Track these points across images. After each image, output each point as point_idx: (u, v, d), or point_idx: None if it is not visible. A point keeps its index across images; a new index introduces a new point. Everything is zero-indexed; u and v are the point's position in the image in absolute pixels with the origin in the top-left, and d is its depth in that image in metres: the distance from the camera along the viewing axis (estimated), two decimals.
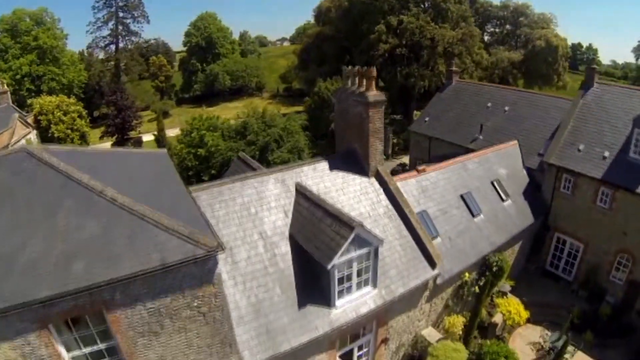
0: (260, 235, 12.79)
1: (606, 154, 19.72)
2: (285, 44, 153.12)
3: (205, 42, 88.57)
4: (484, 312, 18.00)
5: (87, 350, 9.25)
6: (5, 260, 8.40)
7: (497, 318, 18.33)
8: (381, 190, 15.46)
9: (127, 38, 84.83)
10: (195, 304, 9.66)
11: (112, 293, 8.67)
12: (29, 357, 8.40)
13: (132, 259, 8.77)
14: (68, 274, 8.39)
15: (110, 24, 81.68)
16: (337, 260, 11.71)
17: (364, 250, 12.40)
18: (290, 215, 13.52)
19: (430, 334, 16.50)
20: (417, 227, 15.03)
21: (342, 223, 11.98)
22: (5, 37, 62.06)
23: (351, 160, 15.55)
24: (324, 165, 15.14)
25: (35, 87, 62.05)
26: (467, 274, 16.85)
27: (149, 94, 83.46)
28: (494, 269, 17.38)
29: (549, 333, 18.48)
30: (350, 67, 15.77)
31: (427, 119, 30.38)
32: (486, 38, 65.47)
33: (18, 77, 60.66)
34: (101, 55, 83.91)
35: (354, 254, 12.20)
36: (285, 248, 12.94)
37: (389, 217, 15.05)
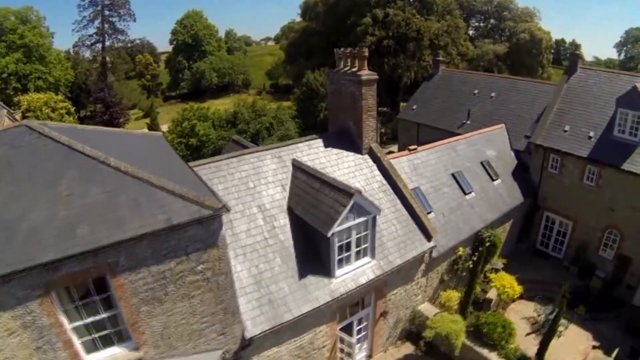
0: (259, 208, 12.85)
1: (591, 133, 20.14)
2: (270, 43, 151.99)
3: (192, 40, 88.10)
4: (478, 289, 18.21)
5: (89, 320, 9.15)
6: (6, 228, 8.28)
7: (492, 294, 18.59)
8: (375, 167, 15.62)
9: (113, 36, 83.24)
10: (200, 269, 9.68)
11: (117, 256, 8.62)
12: (30, 328, 8.30)
13: (137, 221, 8.75)
14: (72, 238, 8.32)
15: (97, 23, 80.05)
16: (337, 228, 11.82)
17: (362, 219, 12.54)
18: (287, 189, 13.60)
19: (427, 308, 16.69)
20: (411, 201, 15.21)
21: (340, 191, 12.10)
22: None
23: (345, 138, 15.68)
24: (318, 142, 15.24)
25: (21, 85, 60.88)
26: (461, 249, 17.10)
27: (136, 93, 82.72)
28: (487, 244, 17.64)
29: (543, 307, 18.77)
30: (342, 49, 15.88)
31: (414, 106, 30.66)
32: (471, 32, 65.91)
33: (4, 75, 59.50)
34: (87, 54, 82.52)
35: (353, 222, 12.32)
36: (284, 220, 13.01)
37: (384, 192, 15.22)
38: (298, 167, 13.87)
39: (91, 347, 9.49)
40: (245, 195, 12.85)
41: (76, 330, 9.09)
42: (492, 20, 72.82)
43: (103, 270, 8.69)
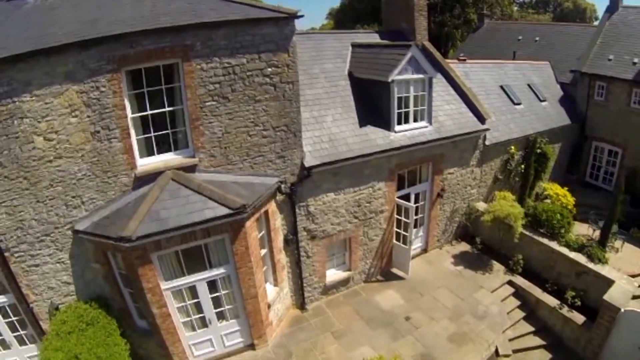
0: (321, 70, 12.39)
1: (636, 60, 18.45)
2: None
3: None
4: (530, 202, 16.40)
5: (152, 112, 8.57)
6: (93, 20, 8.14)
7: None
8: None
9: None
10: (269, 71, 9.18)
11: (194, 39, 8.34)
12: (93, 107, 7.89)
13: (216, 15, 8.54)
14: (154, 21, 8.02)
15: None
16: (397, 76, 11.15)
17: (419, 75, 11.85)
18: (347, 61, 13.10)
19: (483, 206, 15.16)
20: (464, 88, 14.26)
21: (398, 46, 11.52)
22: None
23: (399, 36, 15.03)
24: (375, 35, 14.76)
25: None
26: (513, 147, 15.55)
27: None
28: (538, 150, 15.89)
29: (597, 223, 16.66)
30: None
31: (461, 54, 29.18)
32: (515, 9, 61.02)
33: None
34: None
35: (411, 75, 11.64)
36: (345, 83, 12.53)
37: (437, 80, 14.12)
38: (357, 45, 13.31)
39: (145, 151, 8.95)
40: (308, 59, 12.43)
41: (135, 123, 8.57)
42: None
43: (178, 52, 8.28)
